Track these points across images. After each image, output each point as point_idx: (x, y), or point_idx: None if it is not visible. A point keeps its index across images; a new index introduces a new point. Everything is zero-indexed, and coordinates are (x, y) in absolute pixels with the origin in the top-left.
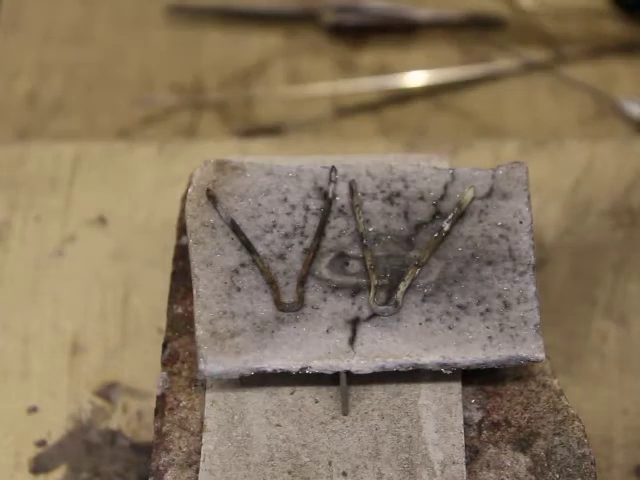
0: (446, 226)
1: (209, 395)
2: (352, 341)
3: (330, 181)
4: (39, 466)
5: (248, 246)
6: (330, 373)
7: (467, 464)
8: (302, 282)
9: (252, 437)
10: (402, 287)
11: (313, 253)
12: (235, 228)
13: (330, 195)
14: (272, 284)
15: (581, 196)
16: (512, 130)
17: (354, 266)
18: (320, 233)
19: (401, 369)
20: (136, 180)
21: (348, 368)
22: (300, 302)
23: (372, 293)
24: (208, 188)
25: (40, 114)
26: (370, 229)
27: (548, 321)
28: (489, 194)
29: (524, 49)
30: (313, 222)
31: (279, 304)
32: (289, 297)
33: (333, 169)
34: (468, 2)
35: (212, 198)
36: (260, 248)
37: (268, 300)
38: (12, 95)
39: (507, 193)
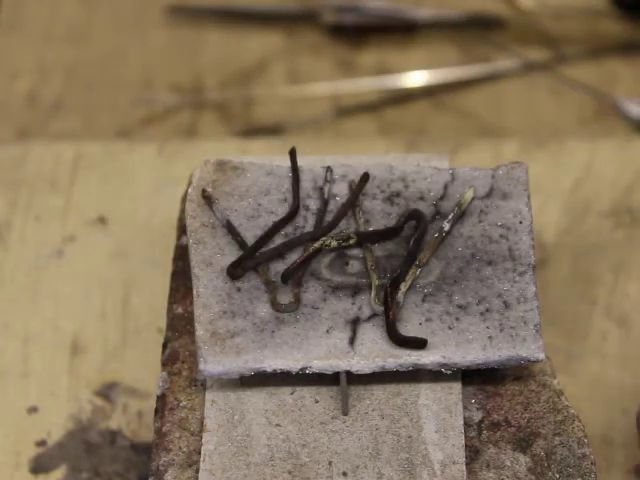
0: (446, 226)
1: (209, 395)
2: (352, 341)
3: (326, 181)
4: (39, 466)
5: (244, 246)
6: (330, 373)
7: (467, 464)
8: (298, 283)
9: (252, 437)
10: (403, 287)
11: (308, 254)
12: (230, 229)
13: (326, 195)
14: (268, 284)
15: (581, 196)
16: (512, 130)
17: (354, 266)
18: (315, 234)
19: (401, 369)
20: (136, 180)
21: (348, 368)
22: (296, 303)
23: (373, 293)
24: (204, 189)
25: (40, 114)
26: (370, 229)
27: (548, 321)
28: (489, 194)
29: (524, 49)
30: (313, 222)
31: (275, 305)
32: (289, 297)
33: (329, 169)
34: (468, 2)
35: (208, 199)
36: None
37: (268, 300)
38: (12, 95)
39: (507, 193)
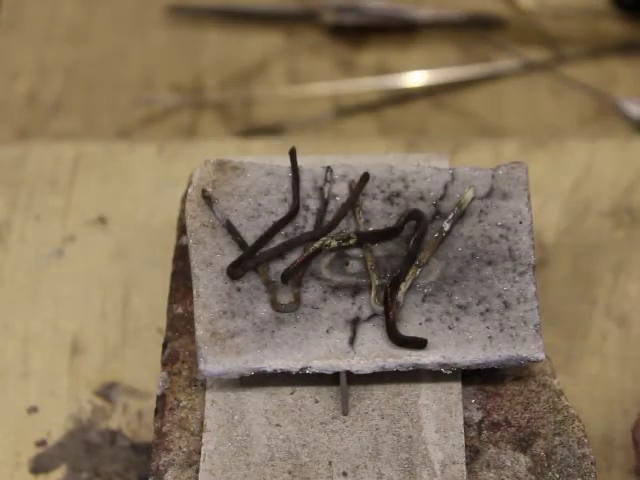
0: (446, 226)
1: (209, 395)
2: (352, 341)
3: (326, 181)
4: (39, 466)
5: (244, 246)
6: (330, 373)
7: (467, 464)
8: (298, 283)
9: (252, 437)
10: (403, 287)
11: (308, 254)
12: (231, 229)
13: (326, 195)
14: (268, 285)
15: (581, 196)
16: (512, 130)
17: (354, 266)
18: (315, 234)
19: (401, 369)
20: (136, 180)
21: (348, 368)
22: (296, 303)
23: (373, 293)
24: (204, 189)
25: (40, 114)
26: (370, 229)
27: (548, 321)
28: (489, 194)
29: (524, 49)
30: (313, 222)
31: (275, 305)
32: (289, 297)
33: (329, 169)
34: (468, 2)
35: (208, 199)
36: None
37: (268, 300)
38: (12, 95)
39: (507, 193)
